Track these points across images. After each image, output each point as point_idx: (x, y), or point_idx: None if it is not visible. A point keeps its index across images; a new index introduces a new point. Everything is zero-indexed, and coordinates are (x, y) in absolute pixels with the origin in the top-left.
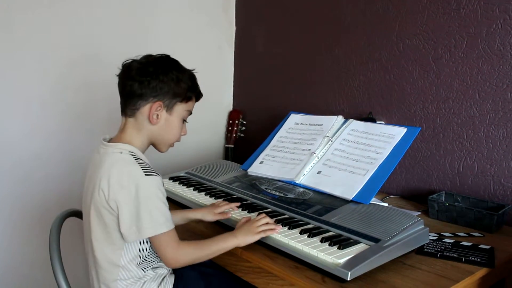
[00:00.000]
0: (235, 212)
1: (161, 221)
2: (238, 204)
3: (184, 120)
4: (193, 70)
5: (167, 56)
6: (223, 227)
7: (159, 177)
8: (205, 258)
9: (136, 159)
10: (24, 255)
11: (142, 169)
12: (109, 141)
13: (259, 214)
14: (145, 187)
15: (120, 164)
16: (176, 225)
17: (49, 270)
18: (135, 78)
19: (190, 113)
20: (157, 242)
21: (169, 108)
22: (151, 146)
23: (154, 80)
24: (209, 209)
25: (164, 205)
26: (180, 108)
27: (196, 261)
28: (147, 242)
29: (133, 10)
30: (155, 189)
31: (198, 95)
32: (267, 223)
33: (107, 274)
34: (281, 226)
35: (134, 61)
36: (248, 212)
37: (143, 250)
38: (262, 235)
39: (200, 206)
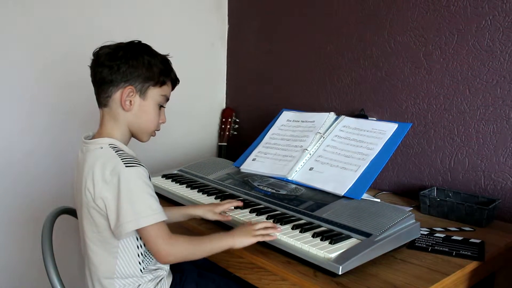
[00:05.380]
0: (235, 212)
1: (145, 214)
2: (241, 203)
3: (162, 106)
4: (167, 55)
5: (139, 42)
6: (219, 225)
7: (142, 167)
8: (200, 255)
9: (117, 151)
10: (19, 254)
11: (123, 161)
12: (92, 138)
13: (253, 211)
14: (125, 179)
15: (102, 160)
16: (176, 222)
17: (44, 269)
18: (104, 64)
19: (167, 99)
20: (146, 236)
21: (142, 93)
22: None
23: (124, 64)
24: (210, 207)
25: (150, 196)
26: (154, 93)
27: (190, 257)
28: None
29: (124, 7)
30: (136, 180)
31: (173, 81)
32: (266, 228)
33: (102, 273)
34: (280, 229)
35: (103, 47)
36: (241, 209)
37: (141, 246)
38: (259, 239)
39: (193, 203)
